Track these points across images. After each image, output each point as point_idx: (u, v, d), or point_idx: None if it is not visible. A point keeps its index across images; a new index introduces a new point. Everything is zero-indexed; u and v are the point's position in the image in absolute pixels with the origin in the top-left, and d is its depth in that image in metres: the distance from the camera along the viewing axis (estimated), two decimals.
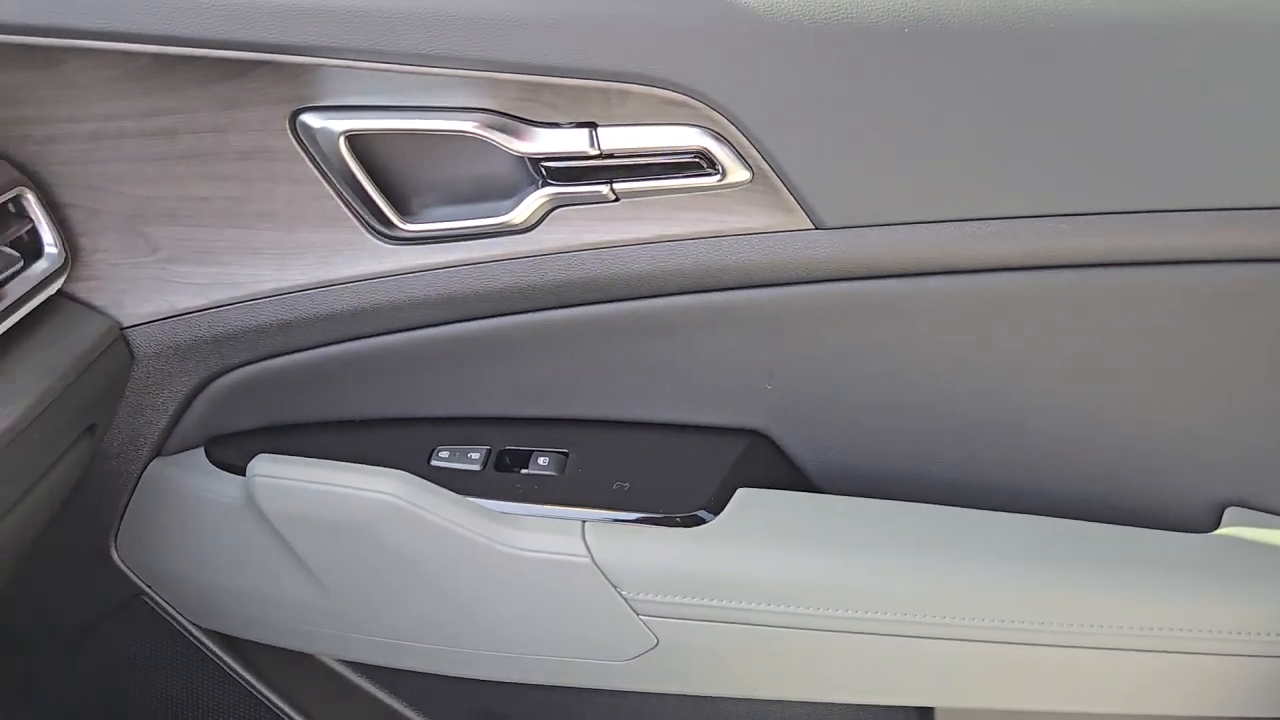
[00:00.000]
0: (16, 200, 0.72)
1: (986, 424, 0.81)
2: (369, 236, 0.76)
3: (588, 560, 0.77)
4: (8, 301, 0.69)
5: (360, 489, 0.78)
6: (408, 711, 1.00)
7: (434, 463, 0.83)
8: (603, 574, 0.77)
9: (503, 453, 0.84)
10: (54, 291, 0.74)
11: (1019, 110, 0.68)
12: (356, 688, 0.99)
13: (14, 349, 0.71)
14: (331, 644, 0.90)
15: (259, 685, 0.95)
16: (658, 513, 0.80)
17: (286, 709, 0.95)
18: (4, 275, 0.68)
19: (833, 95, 0.68)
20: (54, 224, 0.74)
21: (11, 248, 0.71)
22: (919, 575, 0.77)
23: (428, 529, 0.78)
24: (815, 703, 0.84)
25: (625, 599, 0.78)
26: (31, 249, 0.73)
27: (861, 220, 0.72)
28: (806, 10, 0.66)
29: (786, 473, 0.86)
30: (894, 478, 0.85)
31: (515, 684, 0.88)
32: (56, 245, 0.74)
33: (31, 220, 0.73)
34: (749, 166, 0.71)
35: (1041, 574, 0.77)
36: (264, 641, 0.92)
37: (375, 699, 0.99)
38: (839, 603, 0.76)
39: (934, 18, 0.66)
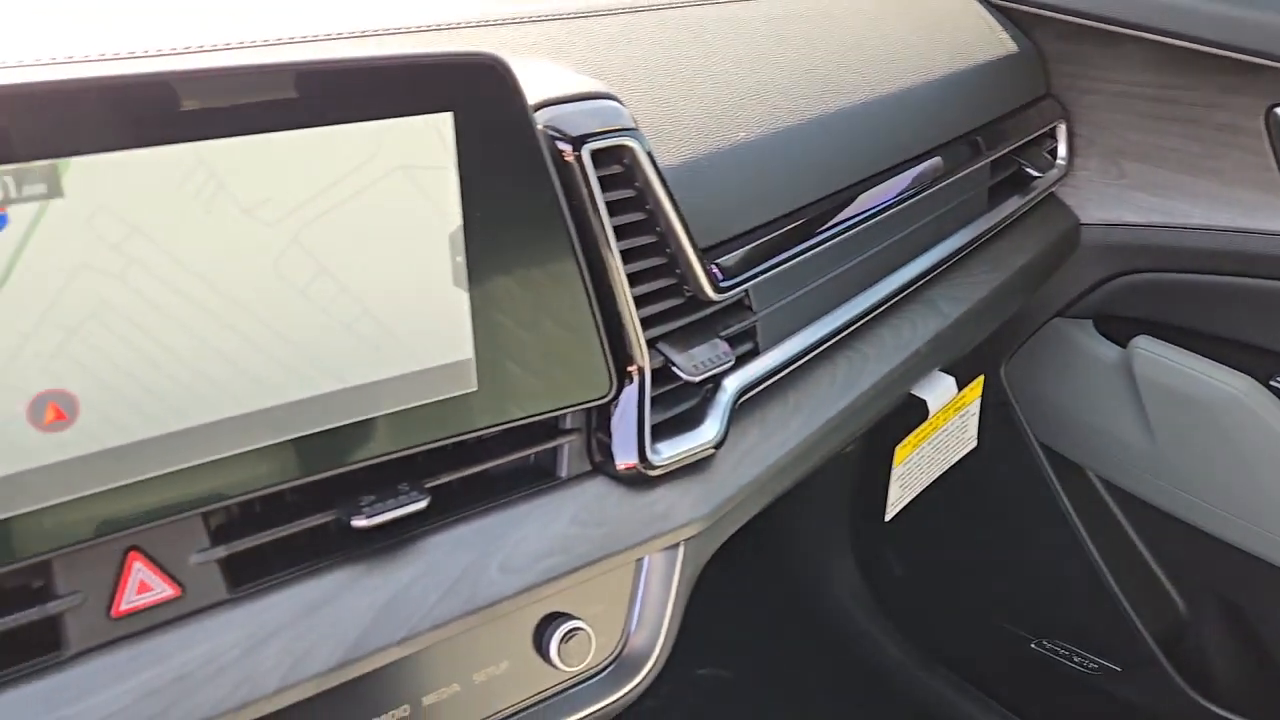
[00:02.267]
0: (1053, 128, 1.10)
1: None
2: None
3: None
4: (1035, 192, 1.08)
5: (1218, 380, 1.06)
6: (1158, 568, 1.28)
7: (1272, 384, 1.08)
8: None
9: None
10: (1051, 190, 1.12)
11: None
12: (1132, 543, 1.28)
13: (1022, 222, 1.10)
14: (1140, 483, 1.21)
15: (1062, 491, 1.29)
16: None
17: (1072, 513, 1.28)
18: (1044, 174, 1.07)
19: None
20: (1069, 146, 1.11)
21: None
22: None
23: (1258, 425, 1.04)
24: None
25: None
26: (1048, 162, 1.11)
27: None
28: None
29: None
30: None
31: (1248, 576, 1.12)
32: (1065, 160, 1.11)
33: (1056, 141, 1.11)
34: None
35: None
36: (1084, 464, 1.26)
37: (1136, 546, 1.28)
38: None
39: None
